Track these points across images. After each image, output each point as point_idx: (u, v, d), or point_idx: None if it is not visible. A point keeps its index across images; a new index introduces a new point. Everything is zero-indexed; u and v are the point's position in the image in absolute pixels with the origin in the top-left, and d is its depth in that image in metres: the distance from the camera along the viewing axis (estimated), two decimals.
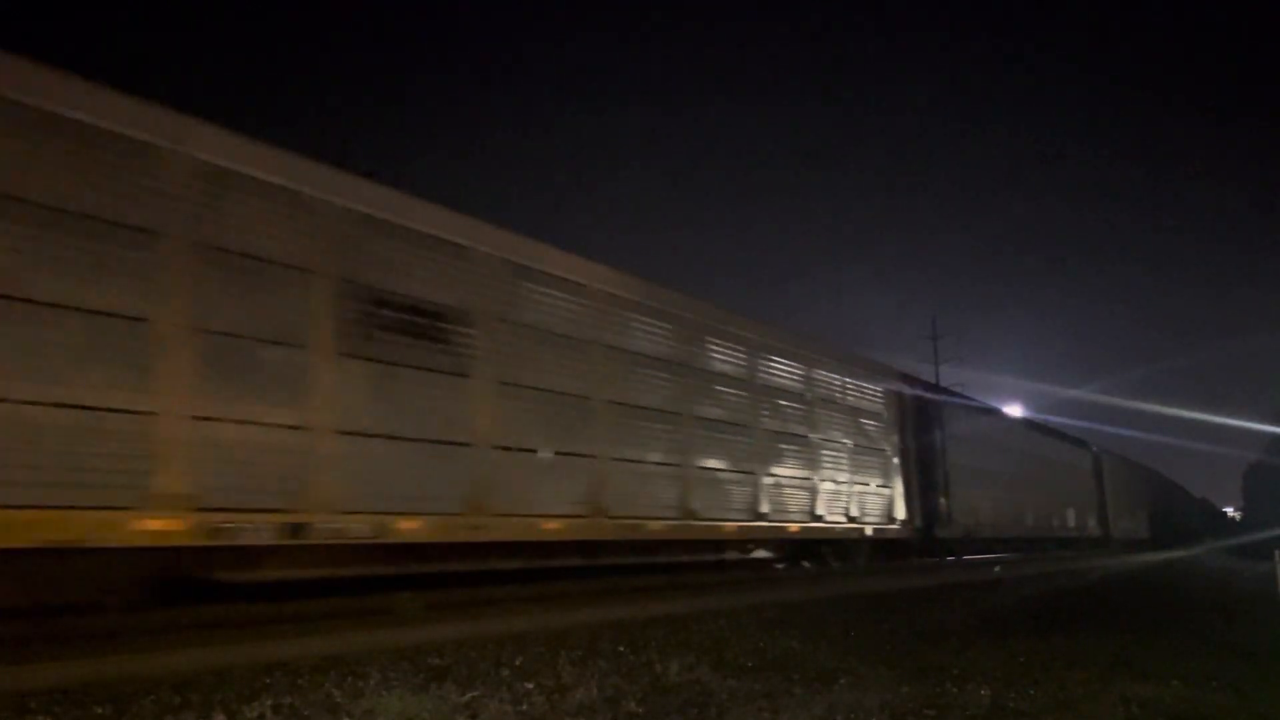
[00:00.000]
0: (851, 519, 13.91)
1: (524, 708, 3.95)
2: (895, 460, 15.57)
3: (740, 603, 8.25)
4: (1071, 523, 27.28)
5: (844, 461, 13.90)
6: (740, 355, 11.94)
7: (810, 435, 13.14)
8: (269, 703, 3.82)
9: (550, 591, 8.77)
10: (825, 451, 13.41)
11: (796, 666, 5.07)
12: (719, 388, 11.43)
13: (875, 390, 15.34)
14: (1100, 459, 31.68)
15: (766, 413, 12.24)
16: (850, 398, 14.50)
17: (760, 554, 12.39)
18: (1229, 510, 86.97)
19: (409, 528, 7.42)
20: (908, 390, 16.78)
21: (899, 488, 15.54)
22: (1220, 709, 4.44)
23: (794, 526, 12.44)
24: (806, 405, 13.23)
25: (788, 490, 12.38)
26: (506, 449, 8.36)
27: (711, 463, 11.07)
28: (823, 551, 13.86)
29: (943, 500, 17.59)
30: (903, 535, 15.53)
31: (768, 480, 11.98)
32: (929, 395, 18.24)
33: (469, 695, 4.05)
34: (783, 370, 12.79)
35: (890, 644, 6.14)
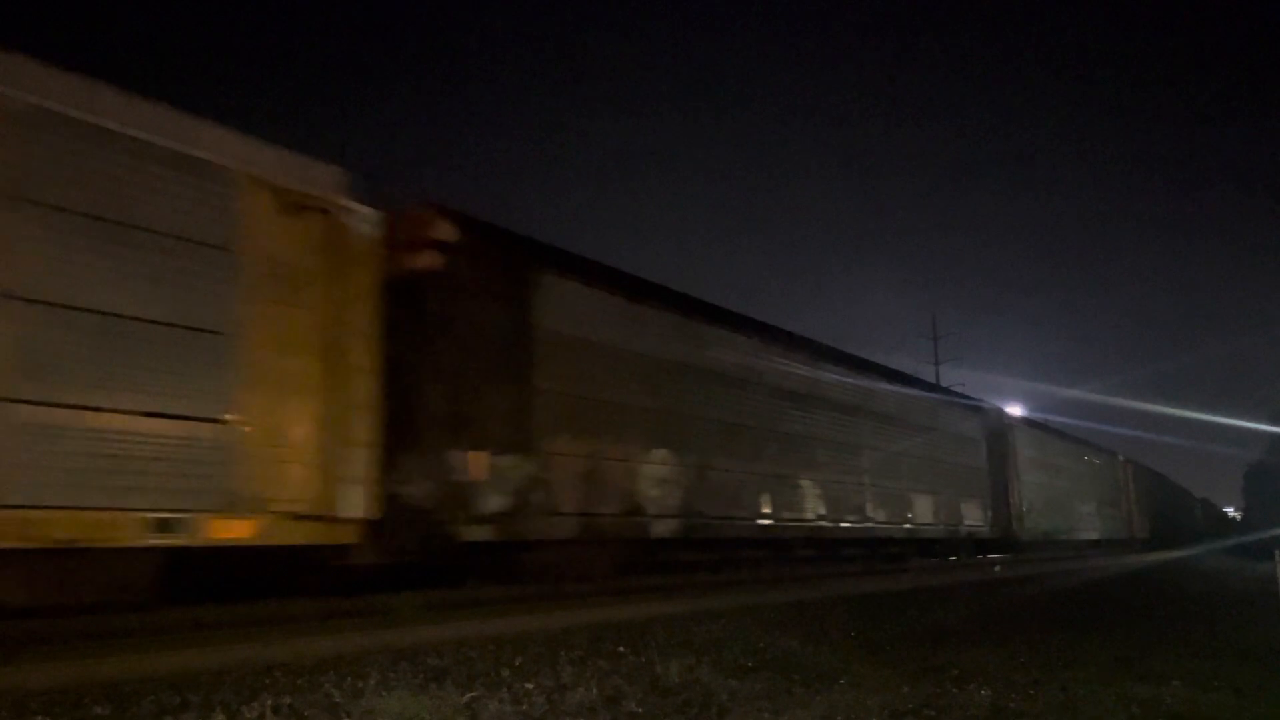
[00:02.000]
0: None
1: (524, 708, 3.95)
2: (360, 361, 7.16)
3: (740, 603, 8.25)
4: (929, 517, 18.41)
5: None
6: None
7: None
8: (269, 703, 3.81)
9: (550, 592, 8.76)
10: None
11: (796, 667, 5.07)
12: None
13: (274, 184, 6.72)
14: (1005, 429, 23.08)
15: None
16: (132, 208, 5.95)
17: None
18: (1230, 510, 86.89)
19: None
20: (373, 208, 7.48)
21: (361, 430, 7.14)
22: (1221, 709, 4.43)
23: None
24: None
25: None
26: None
27: None
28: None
29: (507, 462, 8.59)
30: (349, 540, 7.01)
31: None
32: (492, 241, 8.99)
33: (469, 696, 4.04)
34: None
35: (890, 644, 6.14)
